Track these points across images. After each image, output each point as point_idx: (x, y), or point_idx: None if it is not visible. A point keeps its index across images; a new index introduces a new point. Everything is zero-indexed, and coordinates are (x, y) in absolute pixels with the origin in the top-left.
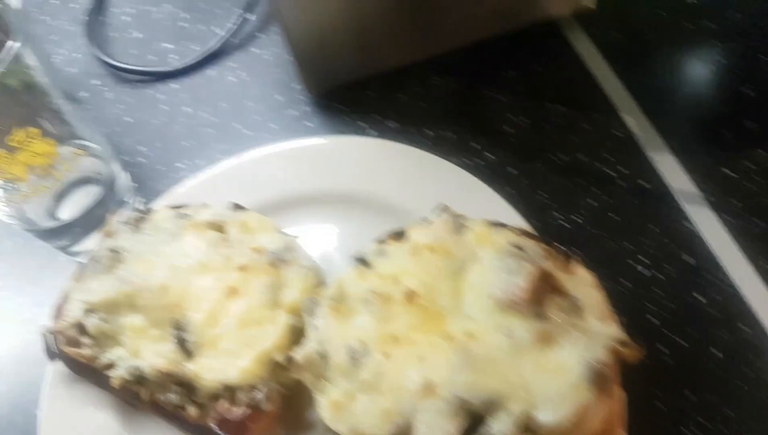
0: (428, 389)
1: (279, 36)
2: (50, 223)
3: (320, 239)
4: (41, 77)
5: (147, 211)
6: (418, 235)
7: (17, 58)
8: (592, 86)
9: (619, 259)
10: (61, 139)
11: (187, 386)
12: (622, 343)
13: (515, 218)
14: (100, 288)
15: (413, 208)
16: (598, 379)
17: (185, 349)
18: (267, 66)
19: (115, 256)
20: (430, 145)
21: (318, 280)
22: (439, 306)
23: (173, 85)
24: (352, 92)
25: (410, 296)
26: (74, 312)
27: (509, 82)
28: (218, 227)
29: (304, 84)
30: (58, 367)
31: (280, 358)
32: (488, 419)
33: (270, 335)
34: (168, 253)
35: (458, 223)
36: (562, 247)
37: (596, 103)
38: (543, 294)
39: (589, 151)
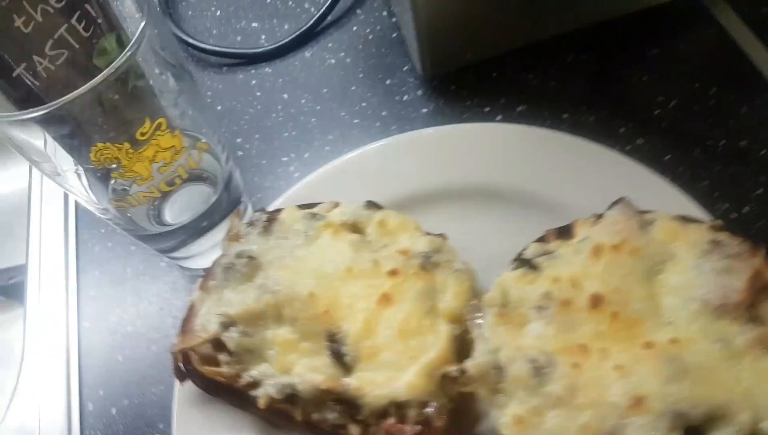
0: (637, 403)
1: (379, 12)
2: (157, 228)
3: (464, 238)
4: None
5: (274, 212)
6: (596, 234)
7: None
8: (742, 64)
9: None
10: (183, 131)
11: (348, 403)
12: None
13: (692, 209)
14: (241, 298)
15: (568, 201)
16: None
17: (342, 362)
18: (369, 45)
19: (252, 263)
20: (568, 131)
21: (473, 284)
22: (632, 312)
23: (266, 69)
24: (472, 73)
25: (596, 301)
26: (210, 326)
27: (651, 60)
28: (355, 228)
29: (422, 64)
30: (188, 386)
31: (451, 370)
32: (710, 431)
33: (433, 346)
34: (309, 259)
35: (641, 219)
36: (758, 242)
37: (750, 81)
38: (756, 295)
39: (750, 134)
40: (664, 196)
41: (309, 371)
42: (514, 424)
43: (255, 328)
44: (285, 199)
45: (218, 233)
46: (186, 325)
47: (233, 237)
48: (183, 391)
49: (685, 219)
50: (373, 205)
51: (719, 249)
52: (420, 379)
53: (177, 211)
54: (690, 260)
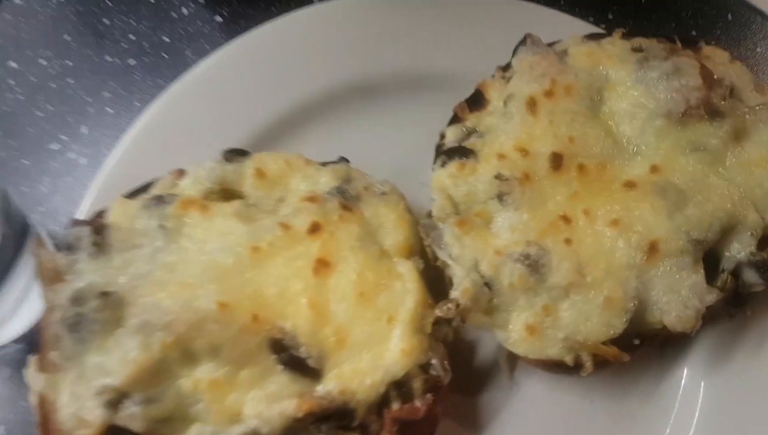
0: (652, 251)
1: None
2: None
3: (359, 152)
4: None
5: (96, 219)
6: (518, 87)
7: None
8: None
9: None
10: None
11: (335, 414)
12: None
13: (577, 24)
14: (119, 357)
15: (451, 68)
16: None
17: (306, 369)
18: None
19: (109, 300)
20: None
21: (406, 204)
22: (596, 157)
23: None
24: None
25: (557, 161)
26: (90, 415)
27: None
28: (226, 193)
29: None
30: None
31: (443, 310)
32: (726, 247)
33: (405, 294)
34: (187, 259)
35: (553, 52)
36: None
37: None
38: (708, 90)
39: None
40: (543, 23)
41: (267, 403)
42: (528, 335)
43: (159, 387)
44: (98, 195)
45: (17, 284)
46: (44, 431)
47: (51, 276)
48: None
49: (591, 37)
50: (234, 154)
51: (649, 55)
52: (412, 339)
53: None
54: (628, 77)
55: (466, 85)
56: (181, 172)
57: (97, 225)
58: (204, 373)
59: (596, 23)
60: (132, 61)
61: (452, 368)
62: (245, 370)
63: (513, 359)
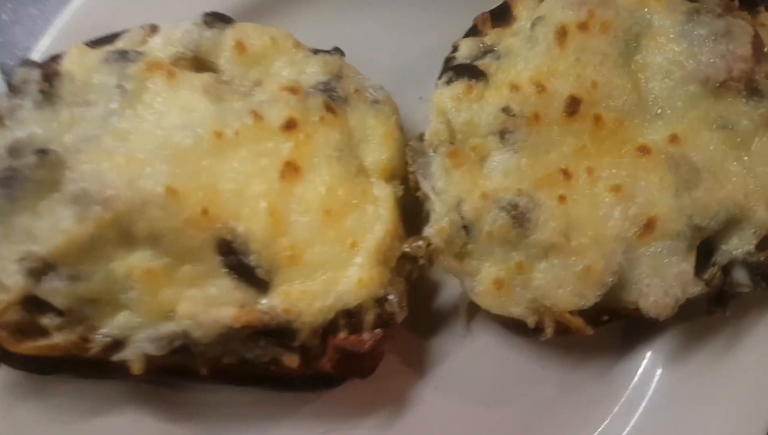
0: (648, 227)
1: None
2: None
3: (357, 46)
4: None
5: (51, 63)
6: (552, 10)
7: None
8: None
9: None
10: None
11: (275, 332)
12: None
13: None
14: (50, 225)
15: None
16: None
17: (253, 279)
18: None
19: (47, 159)
20: None
21: (398, 118)
22: (616, 110)
23: None
24: None
25: (573, 106)
26: (9, 280)
27: None
28: (199, 63)
29: None
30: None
31: (412, 247)
32: (724, 240)
33: (376, 219)
34: (142, 130)
35: None
36: None
37: None
38: (755, 63)
39: None
40: None
41: (204, 306)
42: (495, 289)
43: (90, 265)
44: (58, 35)
45: None
46: None
47: None
48: None
49: None
50: (216, 19)
51: (702, 8)
52: (372, 271)
53: None
54: (672, 28)
55: None
56: (153, 29)
57: (50, 70)
58: (140, 260)
59: None
60: None
61: (409, 305)
62: (186, 265)
63: (473, 309)
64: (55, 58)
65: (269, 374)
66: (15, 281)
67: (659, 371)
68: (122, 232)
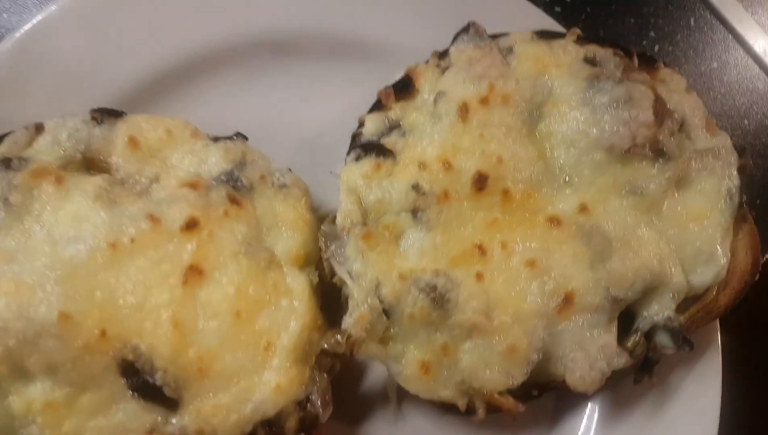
0: (566, 303)
1: None
2: None
3: (259, 126)
4: None
5: None
6: (452, 85)
7: None
8: None
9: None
10: None
11: None
12: (741, 155)
13: (534, 14)
14: None
15: (381, 39)
16: (738, 208)
17: (162, 398)
18: None
19: None
20: None
21: (308, 200)
22: (523, 182)
23: None
24: None
25: (481, 182)
26: None
27: None
28: (91, 163)
29: None
30: None
31: (331, 343)
32: (643, 307)
33: (292, 314)
34: (29, 247)
35: (497, 48)
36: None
37: None
38: (658, 126)
39: None
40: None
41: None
42: (422, 373)
43: None
44: None
45: None
46: None
47: None
48: None
49: (543, 35)
50: (105, 114)
51: (603, 73)
52: (290, 372)
53: None
54: (573, 96)
55: (395, 60)
56: (38, 128)
57: None
58: (38, 393)
59: (552, 5)
60: None
61: (334, 397)
62: (88, 393)
63: (402, 390)
64: None
65: None
66: None
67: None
68: (15, 366)
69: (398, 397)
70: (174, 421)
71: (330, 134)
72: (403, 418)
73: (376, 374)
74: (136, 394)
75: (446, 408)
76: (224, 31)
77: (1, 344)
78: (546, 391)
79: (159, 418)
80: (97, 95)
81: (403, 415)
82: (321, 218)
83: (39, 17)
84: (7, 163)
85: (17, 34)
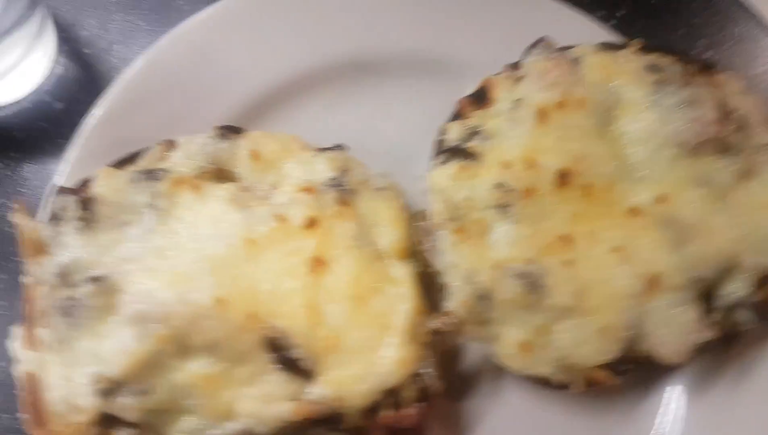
0: (653, 284)
1: None
2: None
3: (354, 139)
4: None
5: (82, 189)
6: (528, 92)
7: None
8: None
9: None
10: None
11: (324, 421)
12: None
13: (593, 28)
14: (116, 346)
15: (456, 56)
16: None
17: (299, 371)
18: None
19: (102, 285)
20: None
21: (402, 201)
22: (602, 178)
23: None
24: None
25: (563, 178)
26: (82, 400)
27: None
28: (220, 173)
29: None
30: None
31: (441, 323)
32: (721, 287)
33: (401, 299)
34: (180, 245)
35: (566, 59)
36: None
37: None
38: (722, 124)
39: None
40: (555, 20)
41: (261, 403)
42: (520, 352)
43: (154, 379)
44: (78, 157)
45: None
46: (34, 410)
47: (34, 248)
48: None
49: (606, 46)
50: (228, 131)
51: (667, 78)
52: (406, 349)
53: None
54: (642, 99)
55: (468, 74)
56: (170, 144)
57: (84, 196)
58: (199, 368)
59: (606, 18)
60: None
61: (440, 374)
62: (240, 367)
63: (501, 368)
64: (85, 183)
65: None
66: (88, 402)
67: (682, 405)
68: (180, 344)
69: (495, 375)
70: (311, 390)
71: (411, 143)
72: (501, 394)
73: (472, 356)
74: (279, 367)
75: (542, 384)
76: (318, 56)
77: (169, 326)
78: (637, 367)
79: (299, 388)
80: (213, 114)
81: (501, 390)
82: (412, 217)
83: (155, 47)
84: (150, 173)
85: (139, 63)
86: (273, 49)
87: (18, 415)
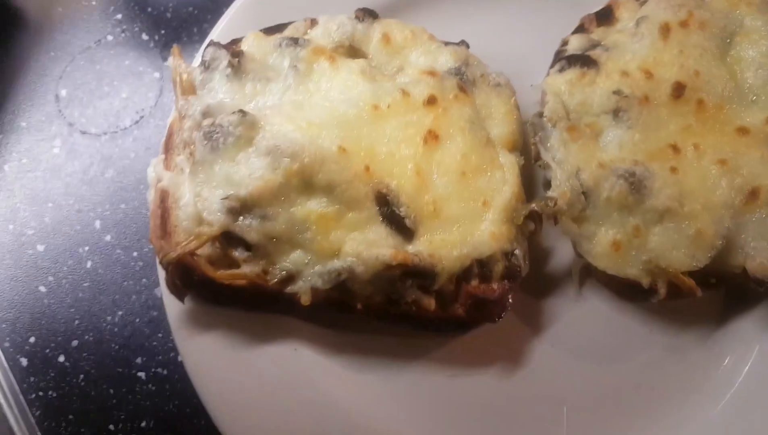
0: (752, 196)
1: None
2: None
3: (478, 41)
4: None
5: (233, 45)
6: (653, 11)
7: None
8: None
9: None
10: None
11: (417, 275)
12: None
13: None
14: (248, 171)
15: None
16: None
17: (403, 228)
18: None
19: (246, 119)
20: None
21: (516, 100)
22: (715, 96)
23: None
24: None
25: (678, 90)
26: (212, 217)
27: None
28: (353, 51)
29: None
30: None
31: (539, 206)
32: None
33: (504, 183)
34: (314, 101)
35: None
36: None
37: None
38: None
39: None
40: None
41: (365, 247)
42: (612, 250)
43: (276, 208)
44: (230, 21)
45: None
46: (162, 223)
47: (185, 88)
48: (176, 314)
49: None
50: (366, 15)
51: None
52: (502, 226)
53: None
54: (763, 27)
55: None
56: (313, 22)
57: (234, 51)
58: (316, 205)
59: None
60: None
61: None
62: (352, 212)
63: (585, 273)
64: (234, 42)
65: (410, 315)
66: (217, 218)
67: (757, 339)
68: (304, 181)
69: (581, 278)
70: (410, 247)
71: (531, 54)
72: (583, 299)
73: (560, 258)
74: (384, 220)
75: (625, 293)
76: None
77: (298, 161)
78: (722, 282)
79: (400, 244)
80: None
81: (583, 295)
82: (524, 118)
83: None
84: (294, 41)
85: None
86: None
87: None
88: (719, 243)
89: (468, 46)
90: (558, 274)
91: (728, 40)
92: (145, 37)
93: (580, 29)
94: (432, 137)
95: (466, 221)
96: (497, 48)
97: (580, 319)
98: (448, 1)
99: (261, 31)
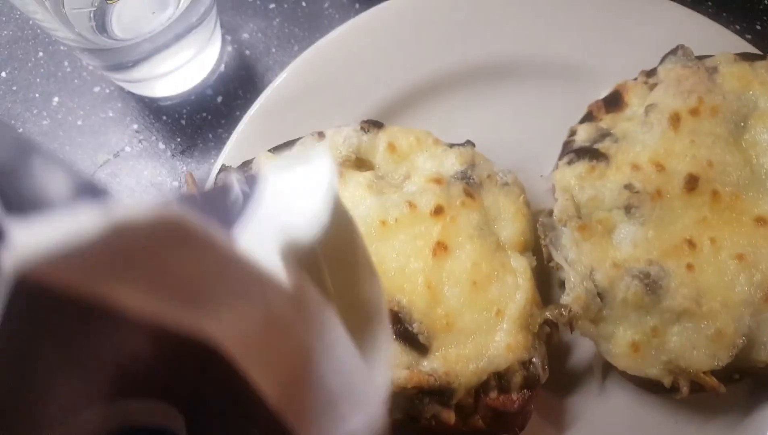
0: None
1: None
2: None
3: (483, 136)
4: None
5: (243, 168)
6: (662, 98)
7: None
8: None
9: None
10: None
11: (435, 391)
12: None
13: (730, 38)
14: None
15: (591, 61)
16: None
17: (416, 344)
18: None
19: None
20: None
21: (525, 197)
22: (731, 185)
23: None
24: None
25: (692, 183)
26: None
27: None
28: (360, 162)
29: None
30: None
31: (554, 314)
32: None
33: (516, 289)
34: None
35: (704, 68)
36: None
37: None
38: None
39: None
40: (690, 29)
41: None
42: (631, 351)
43: None
44: (237, 141)
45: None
46: None
47: None
48: None
49: (745, 57)
50: (371, 125)
51: None
52: (517, 336)
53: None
54: None
55: (598, 80)
56: (320, 135)
57: (246, 173)
58: None
59: (742, 33)
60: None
61: (549, 367)
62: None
63: (606, 369)
64: (245, 163)
65: (430, 429)
66: None
67: None
68: None
69: (603, 374)
70: (425, 363)
71: (538, 144)
72: (606, 394)
73: (581, 353)
74: (398, 338)
75: (647, 387)
76: (454, 60)
77: None
78: (746, 377)
79: (414, 361)
80: (357, 110)
81: (606, 390)
82: (534, 213)
83: (308, 51)
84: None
85: (297, 63)
86: (412, 54)
87: None
88: (740, 341)
89: (474, 145)
90: (579, 369)
91: (742, 124)
92: (161, 145)
93: (588, 117)
94: (441, 248)
95: (480, 333)
96: (504, 138)
97: (604, 415)
98: (454, 94)
99: (270, 150)
